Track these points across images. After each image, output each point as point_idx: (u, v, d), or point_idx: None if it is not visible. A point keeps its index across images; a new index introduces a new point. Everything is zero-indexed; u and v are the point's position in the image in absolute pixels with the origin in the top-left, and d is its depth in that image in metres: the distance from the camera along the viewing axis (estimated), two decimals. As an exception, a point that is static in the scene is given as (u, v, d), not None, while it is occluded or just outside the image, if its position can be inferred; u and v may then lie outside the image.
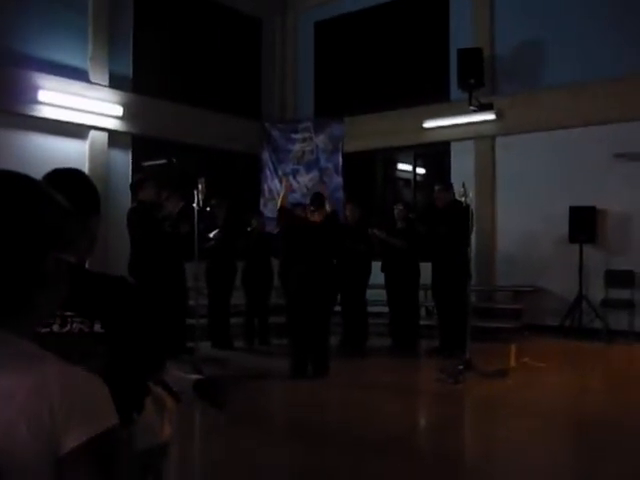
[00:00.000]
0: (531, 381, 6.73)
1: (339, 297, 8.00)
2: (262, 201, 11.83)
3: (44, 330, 1.54)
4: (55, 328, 1.56)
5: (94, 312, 1.61)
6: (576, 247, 9.21)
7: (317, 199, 7.11)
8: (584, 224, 9.19)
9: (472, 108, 10.13)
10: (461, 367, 6.70)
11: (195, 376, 2.26)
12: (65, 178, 1.75)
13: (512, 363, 7.36)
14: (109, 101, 9.67)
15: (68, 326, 1.58)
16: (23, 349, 1.00)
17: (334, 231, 7.24)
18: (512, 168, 10.12)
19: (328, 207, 7.09)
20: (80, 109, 9.27)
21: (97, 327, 1.60)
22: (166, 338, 6.06)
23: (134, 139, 10.20)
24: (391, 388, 6.67)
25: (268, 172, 12.00)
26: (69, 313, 1.58)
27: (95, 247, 1.80)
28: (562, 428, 5.34)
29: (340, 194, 11.35)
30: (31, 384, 0.95)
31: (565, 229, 9.28)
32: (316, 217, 6.98)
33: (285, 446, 4.79)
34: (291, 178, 11.88)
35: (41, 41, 8.99)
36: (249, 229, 8.98)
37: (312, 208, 7.05)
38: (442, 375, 6.64)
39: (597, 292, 9.24)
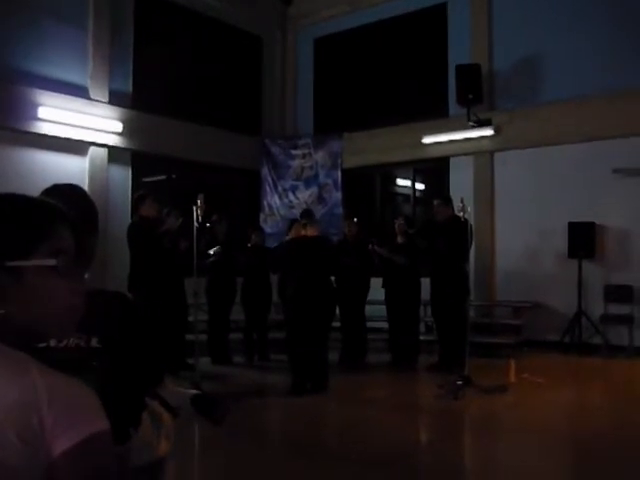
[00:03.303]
0: (530, 397, 6.71)
1: (338, 313, 7.99)
2: (262, 217, 11.88)
3: (41, 345, 1.55)
4: (52, 342, 1.57)
5: (91, 327, 1.62)
6: (575, 262, 9.20)
7: (307, 213, 7.16)
8: (583, 240, 9.19)
9: (471, 124, 10.17)
10: (460, 383, 6.67)
11: (193, 391, 2.25)
12: (63, 193, 1.76)
13: (511, 379, 7.35)
14: (109, 117, 9.71)
15: (65, 341, 1.59)
16: (8, 357, 1.00)
17: (329, 245, 7.27)
18: (511, 183, 10.14)
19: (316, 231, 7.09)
20: (80, 126, 9.30)
21: (94, 342, 1.60)
22: (164, 353, 6.04)
23: (134, 155, 10.23)
24: (390, 404, 6.65)
25: (268, 188, 12.06)
26: (66, 328, 1.59)
27: (93, 263, 1.80)
28: (561, 444, 5.31)
29: (339, 210, 11.41)
30: (18, 392, 0.96)
31: (564, 245, 9.28)
32: (309, 231, 6.99)
33: (284, 462, 4.76)
34: (290, 194, 11.94)
35: (41, 58, 9.04)
36: (249, 245, 8.98)
37: (304, 222, 7.08)
38: (441, 391, 6.62)
39: (596, 307, 9.22)
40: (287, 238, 7.59)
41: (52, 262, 1.06)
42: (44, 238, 1.07)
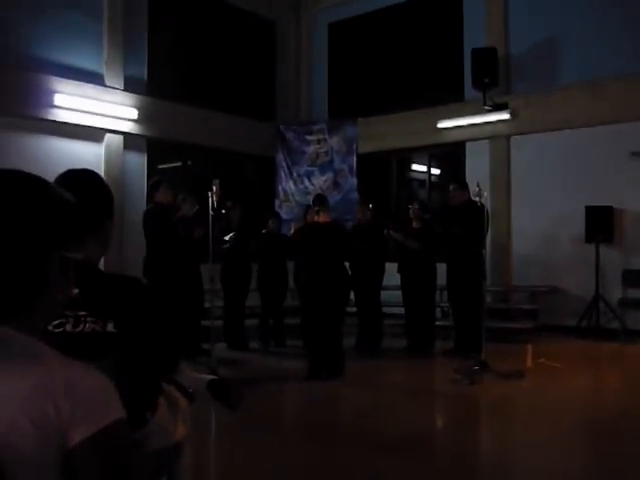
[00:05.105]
0: (547, 382, 6.68)
1: (354, 298, 7.97)
2: (277, 203, 11.86)
3: (57, 330, 1.55)
4: (68, 328, 1.57)
5: (107, 312, 1.62)
6: (592, 247, 9.12)
7: (319, 199, 7.15)
8: (600, 224, 9.10)
9: (487, 108, 10.09)
10: (476, 368, 6.67)
11: (209, 376, 2.27)
12: (78, 179, 1.76)
13: (528, 364, 7.32)
14: (124, 104, 9.73)
15: (81, 326, 1.59)
16: (27, 346, 1.01)
17: (342, 231, 7.26)
18: (527, 168, 10.06)
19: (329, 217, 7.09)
20: (96, 112, 9.34)
21: (110, 327, 1.61)
22: (179, 338, 6.07)
23: (149, 142, 10.26)
24: (406, 389, 6.65)
25: (283, 174, 12.04)
26: (82, 313, 1.59)
27: (108, 248, 1.81)
28: (578, 430, 5.30)
29: (354, 195, 11.36)
30: (35, 381, 0.97)
31: (581, 229, 9.20)
32: (321, 217, 6.99)
33: (300, 446, 4.78)
34: (306, 180, 11.92)
35: (56, 45, 9.06)
36: (264, 231, 8.99)
37: (316, 208, 7.07)
38: (457, 376, 6.61)
39: (614, 292, 9.16)
40: (294, 225, 7.61)
41: (81, 256, 1.14)
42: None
